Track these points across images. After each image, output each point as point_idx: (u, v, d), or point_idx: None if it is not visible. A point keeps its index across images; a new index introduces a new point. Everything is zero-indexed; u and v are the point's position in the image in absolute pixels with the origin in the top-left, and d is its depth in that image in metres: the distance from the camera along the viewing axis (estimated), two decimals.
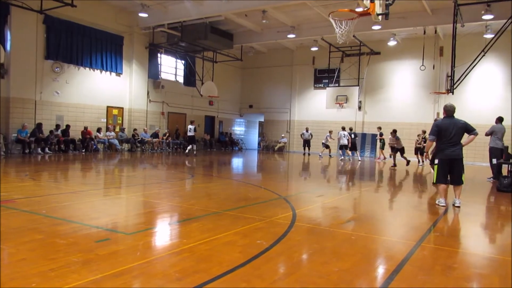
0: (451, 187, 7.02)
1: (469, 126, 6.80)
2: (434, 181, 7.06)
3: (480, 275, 3.58)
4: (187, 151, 18.83)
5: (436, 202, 7.08)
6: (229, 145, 26.68)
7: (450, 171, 6.80)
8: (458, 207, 6.80)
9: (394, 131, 15.88)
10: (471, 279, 3.44)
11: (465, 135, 6.88)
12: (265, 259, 3.70)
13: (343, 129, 19.57)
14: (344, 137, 18.99)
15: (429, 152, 7.88)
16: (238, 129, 29.34)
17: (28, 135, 15.39)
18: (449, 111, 6.86)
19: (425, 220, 6.19)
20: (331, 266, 3.57)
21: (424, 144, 13.27)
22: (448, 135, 6.69)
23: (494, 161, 10.63)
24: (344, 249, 4.22)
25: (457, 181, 6.85)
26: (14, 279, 2.98)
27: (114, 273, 3.15)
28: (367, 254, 4.09)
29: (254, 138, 30.46)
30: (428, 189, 10.02)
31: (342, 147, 19.38)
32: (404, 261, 3.77)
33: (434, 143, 7.20)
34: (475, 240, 5.08)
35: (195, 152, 19.15)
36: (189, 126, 18.83)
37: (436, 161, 6.92)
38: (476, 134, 6.80)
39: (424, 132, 15.98)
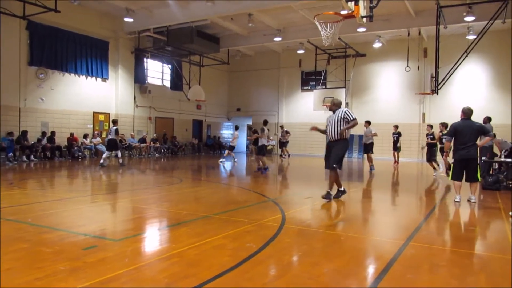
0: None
1: (485, 128, 7.34)
2: (450, 178, 7.56)
3: (467, 273, 3.63)
4: (102, 161, 14.06)
5: (454, 199, 7.48)
6: (217, 148, 26.60)
7: (466, 169, 7.25)
8: (474, 202, 7.23)
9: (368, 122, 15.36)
10: (458, 276, 3.48)
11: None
12: (254, 262, 3.69)
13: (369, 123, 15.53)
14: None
15: (448, 151, 8.13)
16: (226, 133, 29.27)
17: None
18: (467, 113, 7.29)
19: (413, 219, 6.26)
20: (321, 267, 3.58)
21: (431, 141, 13.34)
22: (463, 136, 7.12)
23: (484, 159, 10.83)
24: (333, 250, 4.24)
25: (472, 179, 7.28)
26: None
27: (102, 281, 3.11)
28: (356, 254, 4.11)
29: (242, 141, 30.40)
30: (416, 189, 10.13)
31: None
32: (392, 261, 3.80)
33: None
34: (462, 238, 5.15)
35: (120, 161, 14.67)
36: (111, 128, 15.04)
37: (452, 161, 7.41)
38: (491, 136, 7.46)
39: (431, 127, 14.93)
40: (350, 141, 23.07)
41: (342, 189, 7.49)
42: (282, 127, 21.32)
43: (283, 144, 20.62)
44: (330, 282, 3.20)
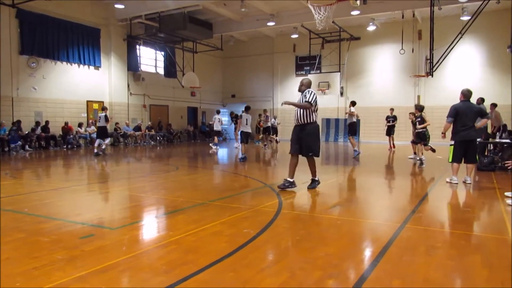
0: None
1: (483, 111, 7.60)
2: (450, 160, 7.58)
3: (463, 253, 3.66)
4: (95, 150, 13.86)
5: (448, 180, 7.59)
6: (213, 135, 26.48)
7: (465, 151, 7.32)
8: (470, 183, 7.36)
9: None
10: (454, 257, 3.51)
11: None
12: (252, 247, 3.71)
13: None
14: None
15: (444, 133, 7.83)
16: (223, 119, 29.12)
17: (7, 132, 15.02)
18: (466, 95, 7.38)
19: (409, 202, 6.30)
20: (318, 252, 3.60)
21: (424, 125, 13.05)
22: (464, 118, 7.21)
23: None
24: (330, 234, 4.26)
25: (471, 159, 7.42)
26: None
27: (100, 269, 3.11)
28: (353, 238, 4.14)
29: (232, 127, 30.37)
30: (410, 172, 10.19)
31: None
32: (389, 243, 3.83)
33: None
34: (458, 220, 5.19)
35: (103, 147, 14.44)
36: (99, 114, 14.41)
37: (452, 142, 7.45)
38: (489, 118, 7.70)
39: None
40: (345, 126, 23.10)
41: (317, 178, 6.99)
42: (265, 111, 20.07)
43: (265, 130, 19.22)
44: (327, 266, 3.22)
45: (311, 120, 6.65)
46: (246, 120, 12.47)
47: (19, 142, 15.29)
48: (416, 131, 11.30)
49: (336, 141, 23.68)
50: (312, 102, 6.55)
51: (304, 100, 6.57)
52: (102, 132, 14.16)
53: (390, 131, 16.50)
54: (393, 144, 16.77)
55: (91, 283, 2.84)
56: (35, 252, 3.55)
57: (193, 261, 3.30)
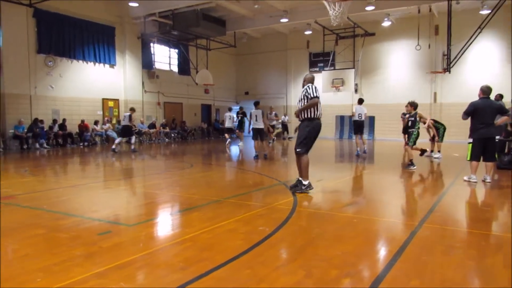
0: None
1: (503, 107, 7.37)
2: (468, 158, 7.42)
3: (484, 254, 3.60)
4: (113, 146, 13.98)
5: (466, 178, 7.45)
6: (226, 132, 26.55)
7: (484, 149, 7.18)
8: (489, 182, 7.20)
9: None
10: (474, 258, 3.45)
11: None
12: (267, 245, 3.71)
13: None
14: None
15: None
16: (233, 116, 29.18)
17: (25, 130, 15.30)
18: (486, 92, 7.22)
19: (427, 200, 6.21)
20: (334, 250, 3.58)
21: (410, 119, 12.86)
22: (483, 115, 7.07)
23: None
24: (346, 232, 4.23)
25: (490, 158, 7.27)
26: (18, 275, 2.97)
27: (117, 265, 3.15)
28: (370, 237, 4.10)
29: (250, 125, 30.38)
30: (427, 170, 10.05)
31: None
32: (406, 242, 3.78)
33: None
34: (478, 219, 5.10)
35: (133, 147, 14.42)
36: (124, 114, 14.90)
37: (471, 140, 7.29)
38: (509, 115, 7.45)
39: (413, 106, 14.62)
40: (349, 122, 22.91)
41: (306, 182, 6.26)
42: (271, 108, 19.65)
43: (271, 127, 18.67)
44: (343, 264, 3.20)
45: (306, 116, 6.22)
46: (256, 116, 11.90)
47: (42, 140, 15.79)
48: (409, 130, 10.12)
49: (350, 139, 23.50)
50: (317, 95, 6.11)
51: (312, 95, 6.09)
52: (125, 131, 14.23)
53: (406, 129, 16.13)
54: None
55: (109, 279, 2.88)
56: (54, 248, 3.61)
57: (209, 258, 3.31)
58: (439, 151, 12.27)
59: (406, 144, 10.54)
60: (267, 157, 11.96)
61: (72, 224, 4.48)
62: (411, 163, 9.65)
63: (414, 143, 10.02)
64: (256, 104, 12.21)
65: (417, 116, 9.97)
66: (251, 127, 12.39)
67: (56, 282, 2.81)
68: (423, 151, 10.88)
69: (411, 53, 21.66)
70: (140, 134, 20.21)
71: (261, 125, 11.94)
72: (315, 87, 6.22)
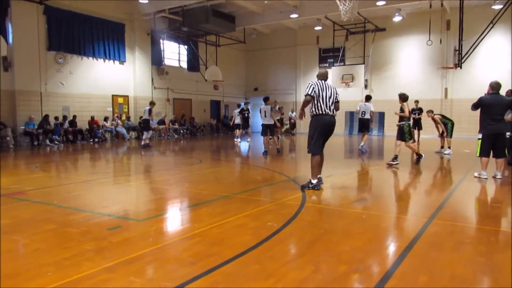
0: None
1: None
2: (478, 155, 7.33)
3: (494, 250, 3.56)
4: (146, 142, 14.78)
5: (476, 174, 7.37)
6: (236, 129, 26.59)
7: (494, 145, 7.10)
8: (500, 178, 7.12)
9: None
10: (484, 254, 3.42)
11: None
12: (276, 240, 3.71)
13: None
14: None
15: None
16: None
17: (36, 127, 15.48)
18: (495, 88, 7.12)
19: (436, 196, 6.16)
20: (343, 245, 3.57)
21: (414, 116, 13.44)
22: (492, 111, 6.97)
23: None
24: (355, 228, 4.22)
25: (500, 154, 7.18)
26: (29, 269, 3.02)
27: (127, 260, 3.18)
28: (379, 232, 4.08)
29: (260, 121, 30.34)
30: (437, 167, 9.96)
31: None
32: (416, 238, 3.76)
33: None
34: (488, 215, 5.05)
35: (147, 141, 14.82)
36: (145, 108, 15.28)
37: (480, 136, 7.19)
38: None
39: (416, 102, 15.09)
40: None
41: (314, 181, 6.16)
42: (275, 102, 19.55)
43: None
44: (352, 260, 3.19)
45: (312, 113, 6.16)
46: (265, 112, 11.87)
47: (56, 136, 16.14)
48: (397, 124, 9.65)
49: (360, 135, 23.38)
50: (308, 93, 6.03)
51: (305, 93, 6.10)
52: (145, 125, 15.00)
53: (416, 125, 15.94)
54: (418, 139, 16.05)
55: (119, 274, 2.90)
56: (65, 242, 3.66)
57: (218, 253, 3.33)
58: (449, 147, 12.13)
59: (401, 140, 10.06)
60: (279, 152, 12.08)
61: (83, 219, 4.53)
62: (395, 158, 9.32)
63: (410, 137, 9.56)
64: (266, 100, 12.15)
65: (403, 107, 9.35)
66: (261, 123, 12.37)
67: (66, 276, 2.85)
68: (418, 158, 9.66)
69: (422, 49, 21.44)
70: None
71: (270, 121, 11.93)
72: (311, 85, 6.05)
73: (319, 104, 6.08)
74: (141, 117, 19.37)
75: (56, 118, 16.29)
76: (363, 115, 12.54)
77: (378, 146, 16.37)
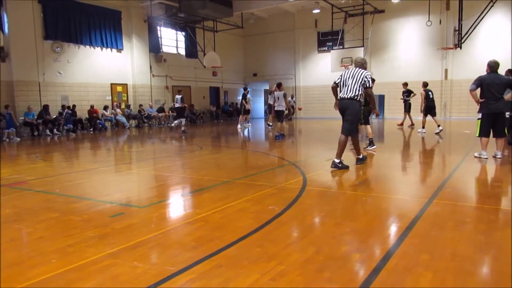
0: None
1: None
2: (477, 135, 7.33)
3: (493, 228, 3.59)
4: (172, 124, 16.98)
5: (476, 155, 7.39)
6: (235, 115, 26.57)
7: (493, 124, 7.09)
8: (500, 158, 7.14)
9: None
10: (484, 232, 3.44)
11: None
12: (278, 224, 3.74)
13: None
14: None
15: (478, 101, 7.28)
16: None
17: (35, 117, 15.46)
18: (493, 67, 7.07)
19: (437, 177, 6.18)
20: (344, 227, 3.60)
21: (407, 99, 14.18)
22: (491, 90, 6.94)
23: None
24: (356, 210, 4.24)
25: (500, 133, 7.18)
26: (33, 256, 3.05)
27: (130, 245, 3.21)
28: (379, 214, 4.10)
29: (260, 106, 30.28)
30: (439, 147, 9.97)
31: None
32: (416, 218, 3.78)
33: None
34: (488, 195, 5.07)
35: (183, 128, 15.64)
36: (176, 96, 16.03)
37: (480, 116, 7.18)
38: None
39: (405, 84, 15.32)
40: None
41: (361, 156, 7.02)
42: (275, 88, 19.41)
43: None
44: (353, 241, 3.22)
45: (360, 99, 6.60)
46: (278, 98, 12.14)
47: (69, 125, 16.57)
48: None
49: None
50: (337, 82, 6.81)
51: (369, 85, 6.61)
52: (179, 112, 15.93)
53: (405, 107, 15.87)
54: (411, 120, 15.95)
55: (122, 259, 2.93)
56: (68, 230, 3.68)
57: (220, 237, 3.35)
58: (423, 126, 12.79)
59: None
60: (284, 137, 12.24)
61: (85, 207, 4.56)
62: (370, 142, 9.15)
63: (366, 121, 9.32)
64: (279, 86, 12.42)
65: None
66: (274, 108, 12.68)
67: (70, 263, 2.88)
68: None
69: (422, 30, 21.25)
70: (149, 118, 20.30)
71: (282, 107, 12.23)
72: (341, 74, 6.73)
73: (341, 89, 6.67)
74: (128, 105, 19.45)
75: (69, 107, 16.75)
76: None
77: (378, 129, 16.35)
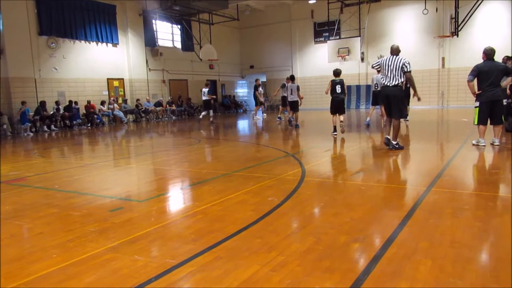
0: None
1: (509, 69, 7.17)
2: (475, 123, 7.35)
3: (491, 215, 3.61)
4: (200, 116, 17.84)
5: (474, 142, 7.41)
6: (233, 107, 26.55)
7: (491, 112, 7.11)
8: (498, 145, 7.16)
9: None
10: (482, 219, 3.46)
11: None
12: (277, 215, 3.75)
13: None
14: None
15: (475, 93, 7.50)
16: (241, 91, 29.07)
17: (32, 113, 15.38)
18: (489, 54, 7.07)
19: (435, 165, 6.20)
20: (343, 217, 3.61)
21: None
22: (488, 77, 6.95)
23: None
24: (354, 199, 4.26)
25: (498, 121, 7.21)
26: (34, 252, 3.06)
27: (131, 239, 3.22)
28: (378, 203, 4.12)
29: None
30: (437, 135, 9.98)
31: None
32: (415, 207, 3.80)
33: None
34: (486, 182, 5.08)
35: (211, 119, 17.09)
36: (203, 89, 16.93)
37: (477, 104, 7.20)
38: None
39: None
40: (367, 92, 22.53)
41: (395, 142, 7.34)
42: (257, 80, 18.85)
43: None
44: (352, 230, 3.23)
45: (402, 84, 7.22)
46: (291, 90, 12.97)
47: (78, 120, 16.96)
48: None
49: (358, 108, 23.34)
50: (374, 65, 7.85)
51: (409, 69, 7.14)
52: (207, 104, 16.94)
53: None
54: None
55: (123, 253, 2.94)
56: (68, 225, 3.69)
57: (220, 230, 3.37)
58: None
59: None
60: (298, 127, 12.86)
61: (84, 202, 4.56)
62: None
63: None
64: (292, 78, 13.20)
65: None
66: (289, 100, 13.37)
67: (71, 258, 2.89)
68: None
69: (418, 18, 21.15)
70: (147, 112, 20.25)
71: (296, 98, 13.02)
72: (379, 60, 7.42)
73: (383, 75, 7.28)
74: (125, 100, 19.67)
75: (76, 103, 17.07)
76: (376, 87, 12.50)
77: (376, 118, 16.34)
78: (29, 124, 15.04)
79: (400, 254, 2.73)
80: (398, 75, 7.01)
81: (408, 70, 7.01)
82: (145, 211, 4.14)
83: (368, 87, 22.66)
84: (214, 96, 17.77)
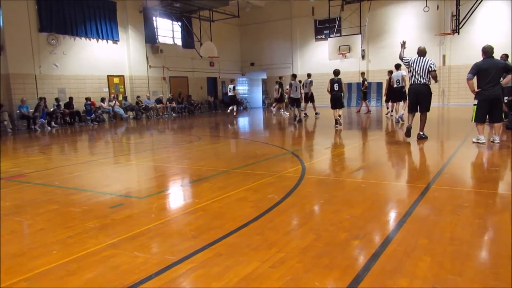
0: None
1: (509, 66, 7.15)
2: (473, 120, 7.36)
3: (491, 212, 3.61)
4: (228, 111, 19.39)
5: (474, 140, 7.42)
6: (234, 105, 26.49)
7: (490, 110, 7.13)
8: (498, 143, 7.15)
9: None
10: (482, 216, 3.47)
11: None
12: (277, 212, 3.75)
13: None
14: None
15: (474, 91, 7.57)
16: (241, 88, 29.05)
17: (32, 110, 15.37)
18: (488, 52, 7.06)
19: (435, 163, 6.20)
20: (343, 214, 3.62)
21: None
22: (487, 75, 6.92)
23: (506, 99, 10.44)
24: (354, 197, 4.26)
25: (497, 119, 7.22)
26: (34, 248, 3.06)
27: (131, 236, 3.22)
28: (378, 200, 4.12)
29: (258, 96, 30.21)
30: (437, 133, 9.97)
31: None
32: (415, 204, 3.80)
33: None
34: (485, 179, 5.08)
35: (234, 113, 19.08)
36: (229, 86, 19.19)
37: (476, 102, 7.23)
38: None
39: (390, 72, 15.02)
40: (368, 89, 22.44)
41: (422, 133, 8.23)
42: (280, 78, 19.79)
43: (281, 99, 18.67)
44: (352, 227, 3.24)
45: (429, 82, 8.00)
46: (296, 87, 14.04)
47: (93, 115, 17.31)
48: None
49: (359, 106, 23.32)
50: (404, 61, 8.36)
51: (434, 68, 7.96)
52: (232, 100, 19.30)
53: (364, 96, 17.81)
54: (368, 108, 17.63)
55: (123, 249, 2.95)
56: (68, 222, 3.70)
57: (220, 226, 3.37)
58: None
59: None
60: (301, 122, 13.79)
61: (85, 199, 4.57)
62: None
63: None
64: (295, 76, 14.74)
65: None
66: (291, 96, 14.54)
67: (71, 254, 2.89)
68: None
69: (419, 16, 21.12)
70: (147, 109, 20.25)
71: (298, 95, 14.28)
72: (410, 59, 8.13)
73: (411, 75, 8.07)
74: (125, 97, 19.63)
75: (87, 98, 17.37)
76: (398, 83, 12.84)
77: (378, 116, 16.35)
78: (44, 121, 15.41)
79: (399, 251, 2.73)
80: (425, 75, 7.79)
81: (433, 69, 7.80)
82: (145, 208, 4.14)
83: (368, 84, 22.56)
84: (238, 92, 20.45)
